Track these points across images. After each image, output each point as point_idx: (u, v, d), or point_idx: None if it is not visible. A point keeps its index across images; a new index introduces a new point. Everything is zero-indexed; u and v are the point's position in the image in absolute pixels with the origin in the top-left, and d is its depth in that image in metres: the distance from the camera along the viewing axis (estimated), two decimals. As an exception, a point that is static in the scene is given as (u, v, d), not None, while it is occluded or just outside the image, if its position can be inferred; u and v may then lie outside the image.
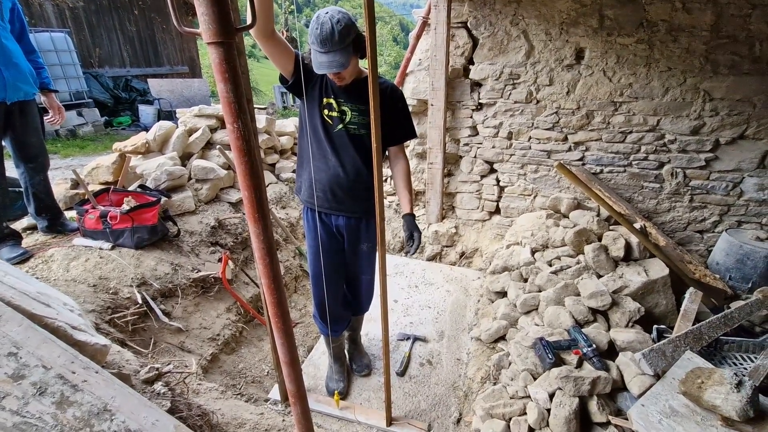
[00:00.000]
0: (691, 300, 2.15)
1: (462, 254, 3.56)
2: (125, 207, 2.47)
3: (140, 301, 2.21)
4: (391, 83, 1.77)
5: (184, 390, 1.67)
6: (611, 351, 1.92)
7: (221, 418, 1.65)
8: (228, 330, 2.53)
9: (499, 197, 3.47)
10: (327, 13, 1.45)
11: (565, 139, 3.11)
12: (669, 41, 2.66)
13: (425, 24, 3.25)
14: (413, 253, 1.75)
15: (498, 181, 3.41)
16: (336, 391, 2.09)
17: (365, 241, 1.92)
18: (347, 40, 1.46)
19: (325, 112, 1.69)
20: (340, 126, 1.69)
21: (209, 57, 0.81)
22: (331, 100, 1.67)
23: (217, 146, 3.51)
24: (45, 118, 2.52)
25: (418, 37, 3.34)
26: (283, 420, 1.81)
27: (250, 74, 1.30)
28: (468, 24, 3.08)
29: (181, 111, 3.76)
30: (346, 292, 2.11)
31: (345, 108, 1.68)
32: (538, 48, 2.94)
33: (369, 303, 2.16)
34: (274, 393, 2.12)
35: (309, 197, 1.82)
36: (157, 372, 1.55)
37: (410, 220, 1.77)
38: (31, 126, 2.33)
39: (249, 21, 0.79)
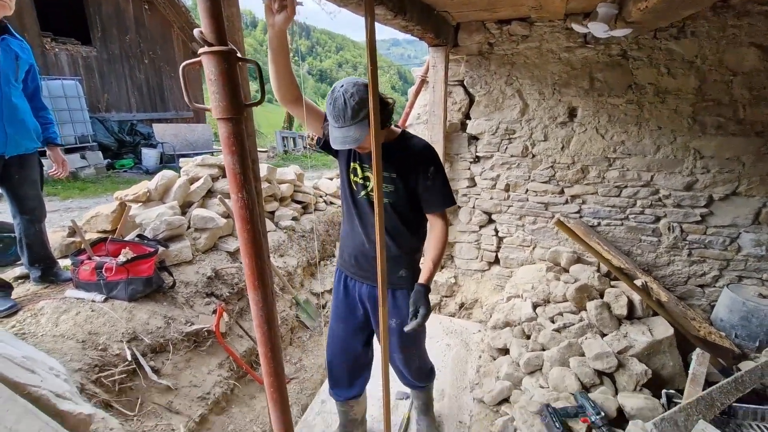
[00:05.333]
0: (699, 362, 2.09)
1: (461, 305, 3.49)
2: (121, 258, 2.44)
3: (129, 358, 2.12)
4: (425, 142, 1.62)
5: (170, 462, 1.57)
6: (620, 417, 1.84)
7: (207, 495, 1.53)
8: (219, 387, 2.41)
9: (498, 248, 3.46)
10: (342, 86, 1.39)
11: (562, 192, 3.16)
12: (657, 102, 2.78)
13: (423, 82, 3.40)
14: (410, 328, 1.49)
15: (496, 231, 3.43)
16: None
17: (393, 316, 1.73)
18: (361, 114, 1.37)
19: (351, 176, 1.63)
20: (363, 193, 1.61)
21: (218, 131, 0.84)
22: (356, 165, 1.60)
23: (218, 195, 3.53)
24: (48, 171, 2.54)
25: (417, 93, 3.48)
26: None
27: (253, 114, 1.27)
28: (464, 82, 3.22)
29: (184, 161, 3.83)
30: (359, 357, 1.92)
31: (369, 174, 1.57)
32: (532, 106, 3.07)
33: (418, 378, 1.98)
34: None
35: (339, 258, 1.79)
36: (142, 443, 1.46)
37: (421, 290, 1.52)
38: (29, 179, 2.32)
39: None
